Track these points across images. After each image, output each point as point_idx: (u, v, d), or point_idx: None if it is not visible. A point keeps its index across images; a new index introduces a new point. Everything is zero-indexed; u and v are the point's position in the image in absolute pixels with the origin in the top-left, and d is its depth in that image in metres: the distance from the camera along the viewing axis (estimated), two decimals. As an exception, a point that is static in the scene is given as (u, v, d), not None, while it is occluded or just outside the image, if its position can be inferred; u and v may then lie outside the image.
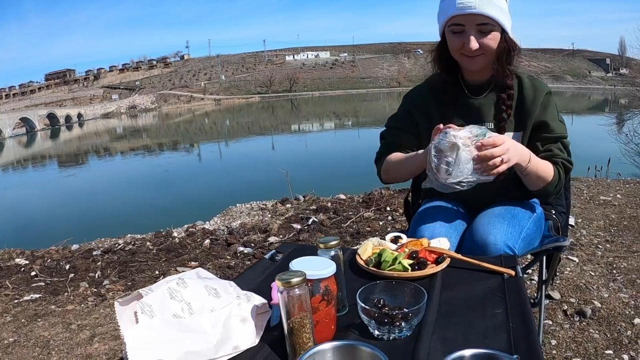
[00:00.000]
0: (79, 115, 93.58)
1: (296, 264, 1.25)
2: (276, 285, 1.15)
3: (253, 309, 1.29)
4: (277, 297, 1.16)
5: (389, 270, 1.52)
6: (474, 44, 1.86)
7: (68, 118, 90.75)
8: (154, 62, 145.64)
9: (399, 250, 1.65)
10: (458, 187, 1.71)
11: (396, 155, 2.13)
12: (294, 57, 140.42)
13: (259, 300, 1.33)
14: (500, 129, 1.98)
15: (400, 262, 1.53)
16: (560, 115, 2.06)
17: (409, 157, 2.04)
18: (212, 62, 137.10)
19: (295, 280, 1.12)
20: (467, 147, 1.65)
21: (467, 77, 2.08)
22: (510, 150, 1.70)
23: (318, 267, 1.24)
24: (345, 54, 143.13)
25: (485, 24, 1.85)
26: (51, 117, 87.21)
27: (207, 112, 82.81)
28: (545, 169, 1.92)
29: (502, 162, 1.67)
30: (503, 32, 1.90)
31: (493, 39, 1.88)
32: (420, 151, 1.95)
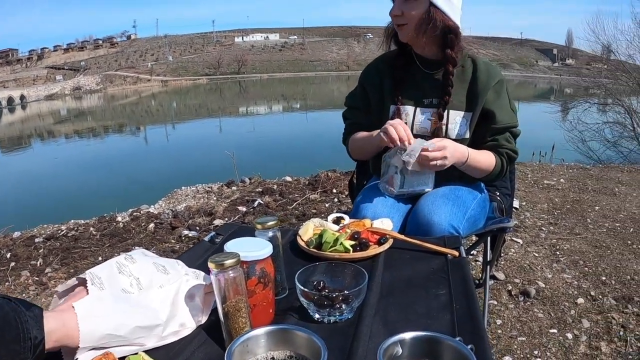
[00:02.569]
0: (22, 97, 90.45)
1: (231, 246, 1.20)
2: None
3: (201, 287, 1.25)
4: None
5: (330, 252, 1.49)
6: (396, 8, 1.94)
7: (10, 100, 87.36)
8: (100, 42, 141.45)
9: (340, 231, 1.61)
10: (406, 195, 1.96)
11: (358, 136, 2.19)
12: (243, 39, 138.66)
13: (207, 278, 1.29)
14: (439, 109, 2.01)
15: (341, 243, 1.50)
16: (513, 102, 2.09)
17: (365, 139, 2.12)
18: (160, 42, 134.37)
19: (228, 262, 1.07)
20: (414, 158, 1.79)
21: (417, 51, 2.09)
22: (448, 154, 1.83)
23: (254, 248, 1.19)
24: (295, 37, 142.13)
25: None
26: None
27: (154, 94, 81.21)
28: (485, 161, 2.01)
29: (440, 164, 1.83)
30: (431, 5, 1.91)
31: (415, 9, 1.92)
32: (375, 132, 2.00)
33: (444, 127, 1.98)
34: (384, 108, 2.11)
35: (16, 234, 5.41)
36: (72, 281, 1.20)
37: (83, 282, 1.15)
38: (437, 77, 2.05)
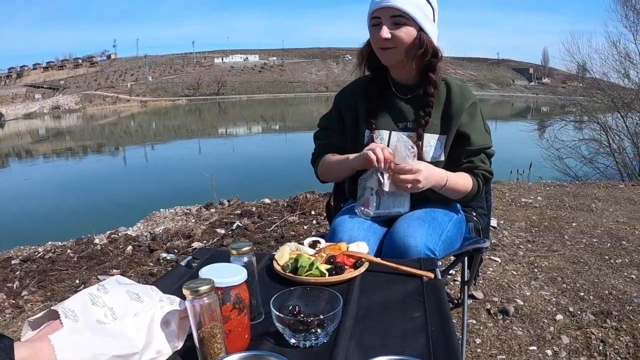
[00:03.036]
0: (0, 115, 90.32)
1: (206, 272, 1.20)
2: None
3: (175, 313, 1.25)
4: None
5: (305, 276, 1.49)
6: (384, 32, 1.92)
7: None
8: (80, 61, 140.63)
9: (316, 255, 1.62)
10: (382, 217, 1.99)
11: (330, 158, 2.19)
12: (222, 60, 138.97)
13: (182, 303, 1.28)
14: (418, 131, 2.02)
15: (317, 268, 1.50)
16: (487, 123, 2.12)
17: (340, 162, 2.11)
18: (140, 62, 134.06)
19: (203, 288, 1.08)
20: (389, 180, 1.86)
21: (395, 76, 2.12)
22: (422, 178, 1.84)
23: (228, 274, 1.19)
24: (275, 58, 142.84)
25: (399, 17, 1.91)
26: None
27: (133, 114, 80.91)
28: (463, 184, 2.03)
29: (413, 187, 1.85)
30: (420, 30, 1.95)
31: (405, 33, 1.93)
32: (352, 155, 2.02)
33: (418, 150, 1.99)
34: (359, 132, 2.13)
35: (-8, 256, 5.34)
36: (45, 313, 1.19)
37: (56, 315, 1.14)
38: (411, 102, 2.08)
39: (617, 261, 3.98)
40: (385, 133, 2.07)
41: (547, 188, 6.87)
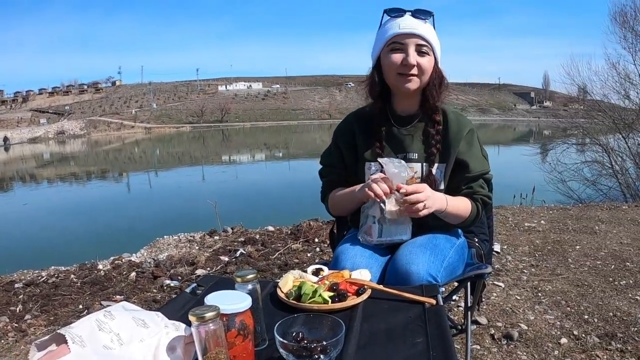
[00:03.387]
0: (5, 139, 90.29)
1: (211, 299, 1.23)
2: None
3: (181, 338, 1.26)
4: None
5: (309, 303, 1.50)
6: (412, 58, 1.96)
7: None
8: (85, 87, 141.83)
9: (319, 282, 1.63)
10: (384, 244, 2.02)
11: (338, 193, 2.21)
12: (226, 88, 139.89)
13: (187, 329, 1.30)
14: (430, 163, 2.06)
15: (320, 295, 1.51)
16: (484, 149, 2.16)
17: (346, 196, 2.14)
18: (144, 89, 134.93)
19: (209, 314, 1.10)
20: (393, 207, 1.88)
21: (395, 107, 2.15)
22: (430, 197, 1.87)
23: (233, 301, 1.22)
24: (278, 86, 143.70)
25: (424, 46, 1.97)
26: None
27: (137, 141, 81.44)
28: (463, 208, 2.06)
29: (424, 207, 1.85)
30: (436, 62, 2.03)
31: (429, 62, 2.00)
32: (357, 187, 2.04)
33: (418, 180, 2.03)
34: (358, 166, 2.16)
35: (-5, 279, 5.36)
36: (51, 335, 1.20)
37: (62, 339, 1.16)
38: (411, 132, 2.12)
39: (621, 283, 3.98)
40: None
41: (550, 212, 6.87)
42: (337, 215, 2.36)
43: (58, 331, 1.18)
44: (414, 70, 1.98)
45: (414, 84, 2.01)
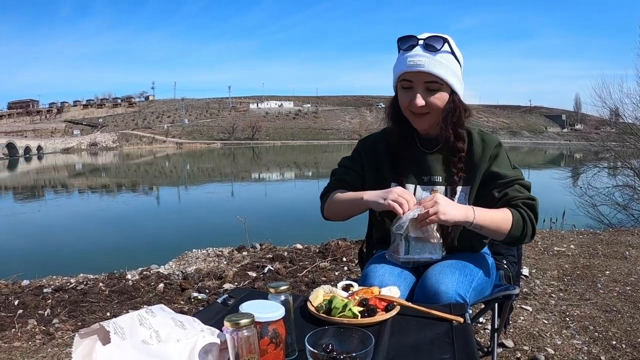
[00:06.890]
0: (39, 148, 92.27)
1: (246, 307, 1.26)
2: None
3: (216, 344, 1.29)
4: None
5: (339, 317, 1.52)
6: (419, 100, 1.93)
7: (27, 149, 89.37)
8: (119, 101, 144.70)
9: (349, 297, 1.65)
10: (411, 263, 1.99)
11: (341, 193, 2.18)
12: (257, 106, 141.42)
13: (222, 335, 1.32)
14: (453, 189, 2.04)
15: (350, 309, 1.53)
16: (513, 162, 2.09)
17: (352, 199, 2.10)
18: (177, 105, 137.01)
19: (243, 321, 1.14)
20: (416, 229, 1.89)
21: (419, 130, 2.13)
22: (442, 204, 1.83)
23: (267, 310, 1.25)
24: (309, 105, 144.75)
25: (433, 82, 1.93)
26: (10, 147, 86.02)
27: (169, 155, 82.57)
28: (500, 217, 1.92)
29: (436, 213, 1.81)
30: (452, 93, 1.98)
31: (439, 99, 1.96)
32: (366, 195, 2.02)
33: None
34: (380, 182, 2.15)
35: (25, 282, 5.48)
36: (95, 326, 1.24)
37: (104, 331, 1.20)
38: (436, 155, 2.11)
39: (650, 309, 3.92)
40: (410, 187, 2.09)
41: (580, 236, 6.79)
42: (328, 217, 2.30)
43: (101, 323, 1.22)
44: (424, 109, 1.96)
45: (424, 122, 2.02)
